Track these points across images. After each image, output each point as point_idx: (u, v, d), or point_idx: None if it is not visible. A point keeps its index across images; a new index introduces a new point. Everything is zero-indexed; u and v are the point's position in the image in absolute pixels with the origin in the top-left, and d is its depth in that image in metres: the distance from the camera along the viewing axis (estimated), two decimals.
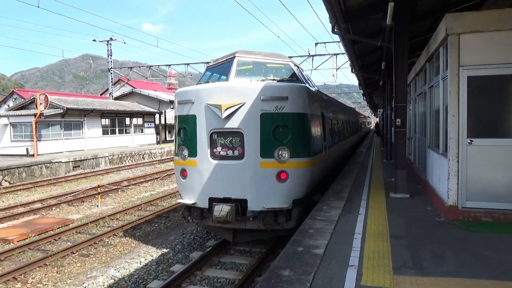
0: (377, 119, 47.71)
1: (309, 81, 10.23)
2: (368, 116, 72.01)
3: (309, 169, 7.90)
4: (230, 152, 7.69)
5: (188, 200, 8.06)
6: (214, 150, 7.78)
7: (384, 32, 10.32)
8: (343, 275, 4.41)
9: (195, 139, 7.89)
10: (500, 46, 6.25)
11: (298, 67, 9.86)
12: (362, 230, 6.16)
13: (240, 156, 7.59)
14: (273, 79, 8.25)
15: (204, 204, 7.84)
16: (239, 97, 7.50)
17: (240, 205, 7.55)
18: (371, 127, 66.07)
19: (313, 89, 9.64)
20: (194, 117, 7.89)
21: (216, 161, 7.74)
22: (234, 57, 8.52)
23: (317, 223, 6.64)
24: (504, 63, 6.24)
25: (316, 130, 8.75)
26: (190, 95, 8.04)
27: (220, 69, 8.96)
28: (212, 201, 7.69)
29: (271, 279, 4.32)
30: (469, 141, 6.47)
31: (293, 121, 7.57)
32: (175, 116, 8.55)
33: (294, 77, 8.66)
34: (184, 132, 8.15)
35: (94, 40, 34.34)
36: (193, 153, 7.96)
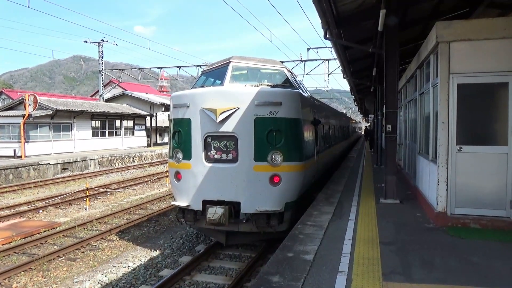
0: (367, 124, 48.02)
1: (302, 87, 10.30)
2: (359, 122, 72.49)
3: (302, 173, 7.96)
4: (224, 156, 7.76)
5: (182, 203, 8.07)
6: (209, 153, 7.84)
7: (376, 39, 10.42)
8: (333, 281, 4.39)
9: (189, 142, 7.94)
10: (489, 54, 6.33)
11: (291, 73, 9.93)
12: (352, 235, 6.17)
13: (234, 160, 7.66)
14: (267, 85, 8.35)
15: (198, 207, 7.88)
16: (234, 102, 7.58)
17: (233, 207, 7.61)
18: (362, 133, 66.42)
19: (306, 95, 9.70)
20: (189, 121, 7.94)
21: (210, 164, 7.79)
22: (229, 62, 8.58)
23: (307, 228, 6.63)
24: (493, 71, 6.33)
25: (308, 134, 8.82)
26: (186, 99, 8.09)
27: (215, 74, 9.04)
28: (206, 203, 7.75)
29: (260, 285, 4.28)
30: (458, 148, 6.53)
31: (286, 126, 7.65)
32: (170, 120, 8.56)
33: (287, 83, 8.75)
34: (179, 135, 8.19)
35: (85, 42, 34.01)
36: (187, 156, 7.99)
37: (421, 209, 7.96)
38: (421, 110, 9.21)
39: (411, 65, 10.63)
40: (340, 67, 16.04)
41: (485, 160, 6.42)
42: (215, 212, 7.41)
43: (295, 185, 7.87)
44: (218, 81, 8.83)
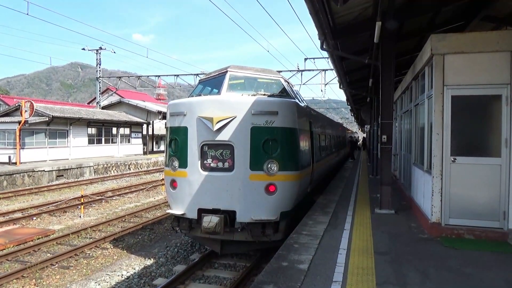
0: (364, 135, 48.16)
1: (298, 97, 10.36)
2: (355, 132, 72.70)
3: (297, 182, 7.97)
4: (220, 164, 7.76)
5: (177, 211, 8.04)
6: (205, 161, 7.84)
7: (372, 50, 10.54)
8: None
9: (186, 151, 7.94)
10: (482, 67, 6.42)
11: (288, 82, 9.99)
12: (346, 245, 6.17)
13: (230, 168, 7.66)
14: (264, 94, 8.40)
15: (193, 215, 7.85)
16: (231, 111, 7.61)
17: (228, 216, 7.58)
18: (359, 143, 66.29)
19: (302, 105, 9.76)
20: (185, 129, 7.95)
21: (206, 173, 7.78)
22: (227, 71, 8.64)
23: (302, 238, 6.63)
24: (486, 83, 6.42)
25: (304, 144, 8.85)
26: (183, 107, 8.11)
27: (212, 82, 9.07)
28: (201, 212, 7.72)
29: None
30: (452, 159, 6.58)
31: (282, 135, 7.68)
32: (167, 128, 8.59)
33: (284, 93, 8.80)
34: (175, 143, 8.19)
35: (83, 49, 34.11)
36: (183, 164, 7.98)
37: (416, 220, 7.99)
38: (416, 121, 9.29)
39: (407, 77, 10.75)
40: (337, 78, 16.16)
41: (479, 171, 6.47)
42: (210, 221, 7.39)
43: (291, 194, 7.88)
44: (215, 90, 8.86)
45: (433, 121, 6.68)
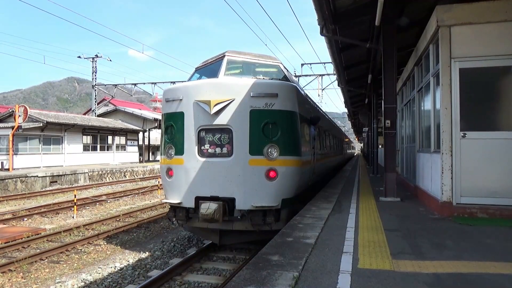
0: (360, 144, 47.87)
1: (298, 85, 10.08)
2: (351, 141, 72.35)
3: (299, 168, 7.62)
4: (218, 150, 7.41)
5: (173, 200, 7.65)
6: (202, 147, 7.50)
7: (372, 40, 10.36)
8: (338, 259, 4.03)
9: (182, 137, 7.60)
10: (490, 38, 6.19)
11: (287, 70, 9.73)
12: (354, 224, 5.82)
13: (229, 154, 7.32)
14: (263, 79, 8.09)
15: (190, 204, 7.46)
16: (229, 93, 7.30)
17: (227, 204, 7.18)
18: (355, 153, 65.92)
19: (303, 93, 9.49)
20: (182, 114, 7.62)
21: (203, 159, 7.42)
22: (224, 56, 8.36)
23: (306, 219, 6.28)
24: (495, 55, 6.17)
25: (305, 132, 8.55)
26: (179, 93, 7.80)
27: (209, 69, 8.75)
28: (199, 200, 7.34)
29: (259, 263, 3.89)
30: (462, 134, 6.28)
31: (282, 119, 7.36)
32: (162, 115, 8.26)
33: (284, 79, 8.52)
34: (171, 130, 7.85)
35: (79, 57, 33.98)
36: (180, 151, 7.64)
37: (424, 205, 7.65)
38: (420, 106, 9.04)
39: (408, 66, 10.54)
40: (336, 75, 15.96)
41: (491, 146, 6.17)
42: (208, 207, 7.00)
43: (292, 180, 7.52)
44: (212, 76, 8.57)
45: (441, 95, 6.40)
